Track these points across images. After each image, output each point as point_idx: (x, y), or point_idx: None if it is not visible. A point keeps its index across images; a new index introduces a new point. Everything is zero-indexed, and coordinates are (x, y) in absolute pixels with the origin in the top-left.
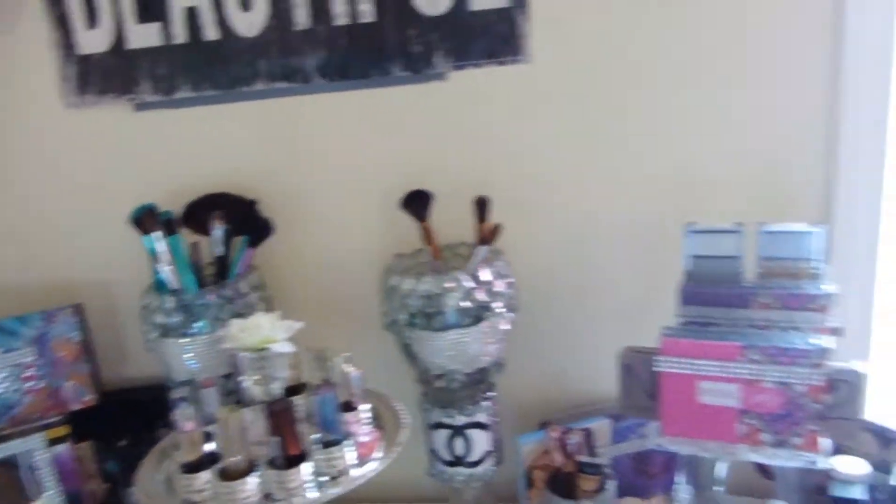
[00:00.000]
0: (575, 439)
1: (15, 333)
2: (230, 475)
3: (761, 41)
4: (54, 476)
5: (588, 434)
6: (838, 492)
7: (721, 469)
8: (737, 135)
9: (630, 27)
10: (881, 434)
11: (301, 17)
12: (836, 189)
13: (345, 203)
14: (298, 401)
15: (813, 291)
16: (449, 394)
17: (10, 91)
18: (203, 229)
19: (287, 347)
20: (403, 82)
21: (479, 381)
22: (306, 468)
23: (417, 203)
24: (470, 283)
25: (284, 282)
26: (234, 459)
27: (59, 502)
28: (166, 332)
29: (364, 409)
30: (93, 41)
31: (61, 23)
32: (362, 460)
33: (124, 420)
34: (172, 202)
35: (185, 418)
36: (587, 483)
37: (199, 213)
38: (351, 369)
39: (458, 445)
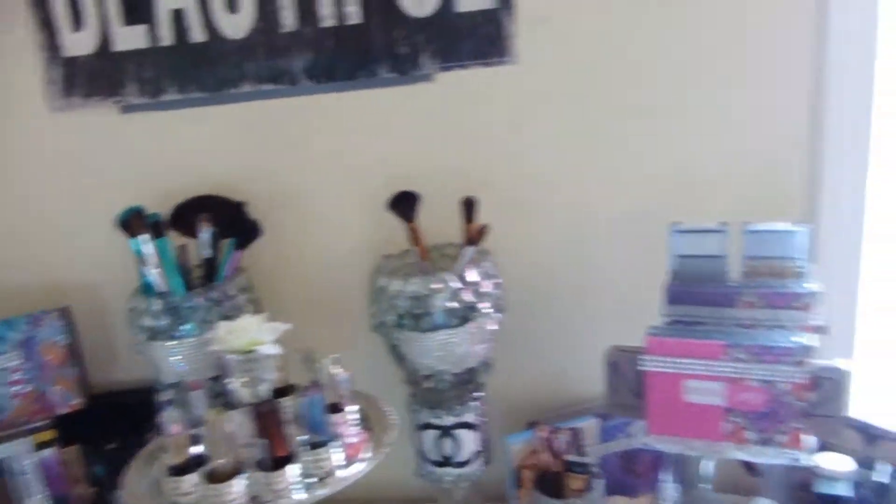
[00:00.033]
0: (563, 439)
1: (1, 337)
2: (217, 477)
3: (740, 42)
4: (41, 480)
5: (576, 433)
6: (823, 488)
7: (707, 467)
8: (735, 135)
9: (628, 27)
10: (865, 431)
11: (288, 18)
12: (821, 188)
13: (332, 205)
14: (286, 402)
15: (797, 290)
16: (437, 394)
17: None
18: (190, 231)
19: (274, 349)
20: (390, 84)
21: (467, 382)
22: (293, 470)
23: (405, 204)
24: (457, 284)
25: (272, 284)
26: (221, 462)
27: None
28: (154, 334)
29: (352, 411)
30: (78, 43)
31: (46, 25)
32: (350, 461)
33: (112, 423)
34: (160, 205)
35: (171, 421)
36: (575, 482)
37: (187, 215)
38: (339, 371)
39: (447, 446)
